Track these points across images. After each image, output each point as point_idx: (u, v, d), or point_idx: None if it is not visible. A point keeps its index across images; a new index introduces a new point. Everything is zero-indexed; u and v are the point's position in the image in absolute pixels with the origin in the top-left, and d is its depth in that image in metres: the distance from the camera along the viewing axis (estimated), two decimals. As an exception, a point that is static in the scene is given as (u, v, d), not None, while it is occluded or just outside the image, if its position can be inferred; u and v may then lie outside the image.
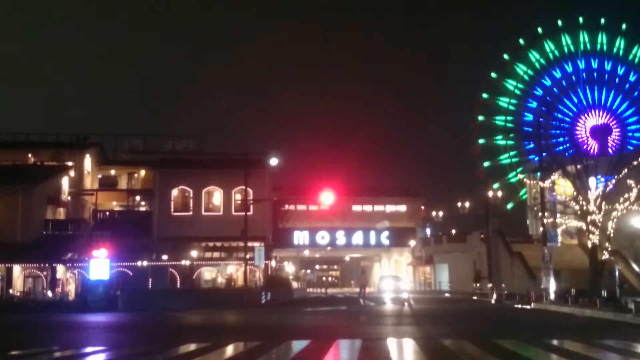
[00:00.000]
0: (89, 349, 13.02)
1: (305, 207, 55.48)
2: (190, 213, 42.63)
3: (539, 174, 35.24)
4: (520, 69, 62.05)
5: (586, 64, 60.81)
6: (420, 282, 57.59)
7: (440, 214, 62.47)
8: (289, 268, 63.32)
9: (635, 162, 29.96)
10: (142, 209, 47.16)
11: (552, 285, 29.42)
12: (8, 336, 17.28)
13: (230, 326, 20.00)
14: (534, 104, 61.56)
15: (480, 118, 62.02)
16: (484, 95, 62.21)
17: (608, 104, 60.05)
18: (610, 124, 59.62)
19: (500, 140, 61.45)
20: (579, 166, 30.63)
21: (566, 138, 57.63)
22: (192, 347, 12.68)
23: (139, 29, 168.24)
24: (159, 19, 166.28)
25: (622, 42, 60.53)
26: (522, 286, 35.09)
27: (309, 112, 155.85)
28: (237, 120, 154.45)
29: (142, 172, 47.75)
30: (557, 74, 61.36)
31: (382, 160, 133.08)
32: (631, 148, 54.08)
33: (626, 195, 28.41)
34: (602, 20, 61.08)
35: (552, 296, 28.65)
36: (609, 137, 58.46)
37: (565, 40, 61.20)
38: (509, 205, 59.85)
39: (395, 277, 49.22)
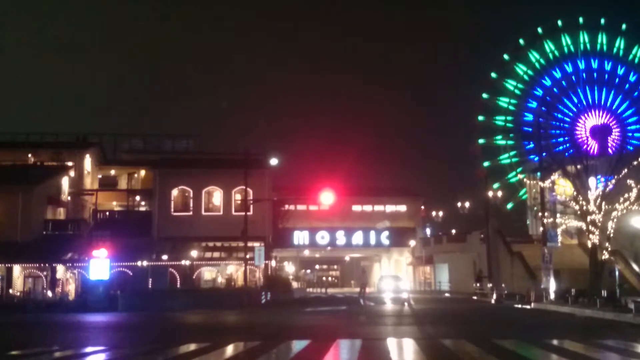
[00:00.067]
0: (89, 349, 13.04)
1: (305, 207, 55.43)
2: (190, 213, 42.66)
3: (538, 174, 35.27)
4: (520, 69, 62.13)
5: (586, 64, 60.90)
6: (420, 282, 57.54)
7: (440, 214, 62.63)
8: (289, 268, 63.33)
9: (635, 162, 29.87)
10: (142, 209, 47.17)
11: (552, 285, 29.41)
12: (8, 336, 17.27)
13: (230, 326, 19.99)
14: (534, 104, 61.63)
15: (480, 118, 62.09)
16: (484, 95, 62.29)
17: (608, 104, 60.12)
18: (610, 124, 59.68)
19: (500, 140, 61.52)
20: (579, 166, 30.60)
21: (566, 138, 57.69)
22: (192, 347, 12.69)
23: (139, 29, 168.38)
24: (159, 18, 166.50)
25: (622, 42, 60.61)
26: (522, 286, 35.06)
27: (309, 112, 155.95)
28: (237, 120, 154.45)
29: (142, 172, 47.73)
30: (557, 74, 61.45)
31: (382, 160, 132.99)
32: (631, 148, 54.14)
33: (626, 195, 28.36)
34: (602, 21, 61.22)
35: (552, 296, 28.65)
36: (609, 137, 58.50)
37: (565, 40, 61.31)
38: (509, 205, 59.90)
39: (395, 277, 49.11)
